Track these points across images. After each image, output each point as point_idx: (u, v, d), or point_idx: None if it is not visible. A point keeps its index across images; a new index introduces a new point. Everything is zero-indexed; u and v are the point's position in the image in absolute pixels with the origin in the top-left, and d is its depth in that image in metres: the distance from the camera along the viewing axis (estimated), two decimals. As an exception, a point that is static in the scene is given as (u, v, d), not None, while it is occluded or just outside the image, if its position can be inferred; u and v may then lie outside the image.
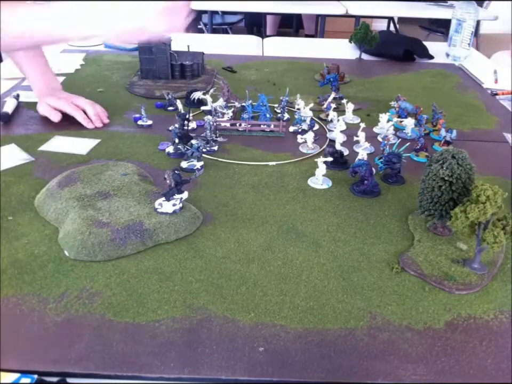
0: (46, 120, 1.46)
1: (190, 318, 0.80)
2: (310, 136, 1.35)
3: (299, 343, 0.76)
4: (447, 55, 2.21)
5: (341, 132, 1.44)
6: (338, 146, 1.30)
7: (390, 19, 4.66)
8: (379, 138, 1.43)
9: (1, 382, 0.67)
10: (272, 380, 0.71)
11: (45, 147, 1.31)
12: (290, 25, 5.61)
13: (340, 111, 1.57)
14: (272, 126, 1.44)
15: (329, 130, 1.47)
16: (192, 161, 1.24)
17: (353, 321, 0.80)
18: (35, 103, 1.55)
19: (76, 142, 1.35)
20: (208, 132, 1.33)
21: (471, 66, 2.15)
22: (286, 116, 1.53)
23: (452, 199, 0.94)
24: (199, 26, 4.13)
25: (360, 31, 2.13)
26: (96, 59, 2.07)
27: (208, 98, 1.47)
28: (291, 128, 1.47)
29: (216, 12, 4.39)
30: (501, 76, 2.01)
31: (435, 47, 2.35)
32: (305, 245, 0.98)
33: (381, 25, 5.16)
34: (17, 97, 1.56)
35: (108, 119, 1.48)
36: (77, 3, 0.93)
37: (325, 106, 1.59)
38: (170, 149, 1.31)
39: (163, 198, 1.01)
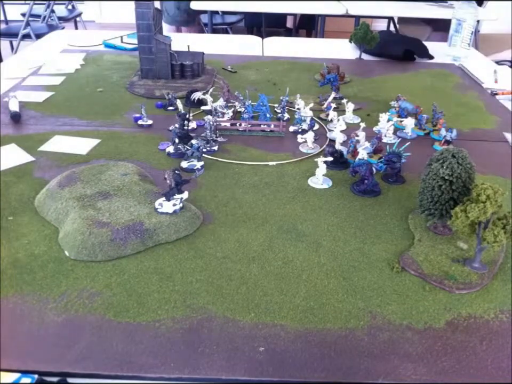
0: (46, 120, 1.46)
1: (190, 318, 0.80)
2: (310, 136, 1.35)
3: (299, 343, 0.76)
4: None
5: (341, 131, 1.44)
6: (338, 146, 1.31)
7: (390, 19, 4.66)
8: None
9: (2, 382, 0.67)
10: (272, 380, 0.71)
11: (45, 147, 1.31)
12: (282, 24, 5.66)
13: (340, 111, 1.57)
14: (272, 126, 1.44)
15: (329, 130, 1.48)
16: (192, 161, 1.24)
17: (354, 321, 0.80)
18: (35, 103, 1.55)
19: (76, 142, 1.35)
20: (208, 131, 1.33)
21: (471, 66, 2.15)
22: (286, 115, 1.53)
23: (452, 198, 0.94)
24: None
25: (360, 31, 2.13)
26: (96, 59, 2.07)
27: (208, 98, 1.47)
28: (291, 128, 1.47)
29: (216, 12, 4.39)
30: (501, 76, 2.01)
31: (435, 47, 2.35)
32: (305, 244, 0.98)
33: (381, 25, 5.16)
34: (16, 96, 1.56)
35: None
36: None
37: (325, 106, 1.59)
38: (170, 149, 1.31)
39: (163, 198, 1.01)
